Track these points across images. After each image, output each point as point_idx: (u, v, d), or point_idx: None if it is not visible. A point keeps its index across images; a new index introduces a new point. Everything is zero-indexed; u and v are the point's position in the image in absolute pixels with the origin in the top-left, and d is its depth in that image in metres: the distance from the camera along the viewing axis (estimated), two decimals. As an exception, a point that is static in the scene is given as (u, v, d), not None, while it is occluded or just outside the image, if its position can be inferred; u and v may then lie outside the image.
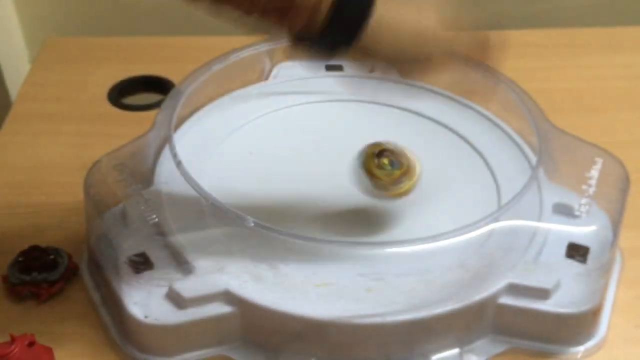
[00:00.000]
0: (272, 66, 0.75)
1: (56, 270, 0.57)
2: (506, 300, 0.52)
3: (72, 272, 0.58)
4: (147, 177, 0.59)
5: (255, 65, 0.73)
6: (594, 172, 0.59)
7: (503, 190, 0.60)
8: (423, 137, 0.67)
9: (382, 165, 0.55)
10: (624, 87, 0.81)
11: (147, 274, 0.52)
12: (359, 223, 0.58)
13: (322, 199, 0.60)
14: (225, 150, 0.64)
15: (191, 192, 0.54)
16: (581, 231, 0.56)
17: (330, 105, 0.71)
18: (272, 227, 0.51)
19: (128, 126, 0.73)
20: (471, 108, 0.69)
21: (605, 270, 0.55)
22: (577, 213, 0.57)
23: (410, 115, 0.69)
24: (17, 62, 0.96)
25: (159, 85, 0.80)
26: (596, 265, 0.54)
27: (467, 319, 0.52)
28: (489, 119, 0.68)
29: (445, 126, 0.68)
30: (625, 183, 0.59)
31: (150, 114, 0.73)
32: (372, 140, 0.66)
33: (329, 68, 0.75)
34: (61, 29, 0.96)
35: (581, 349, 0.54)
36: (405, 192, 0.56)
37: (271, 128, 0.68)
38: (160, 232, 0.54)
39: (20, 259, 0.58)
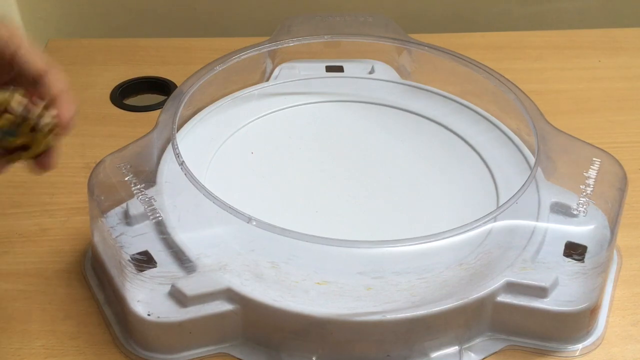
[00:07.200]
0: (273, 67, 0.75)
1: None
2: (504, 298, 0.53)
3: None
4: (150, 177, 0.59)
5: (256, 66, 0.74)
6: (592, 172, 0.59)
7: (501, 190, 0.61)
8: (422, 137, 0.68)
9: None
10: (622, 88, 0.82)
11: (150, 272, 0.52)
12: (359, 222, 0.59)
13: (323, 198, 0.61)
14: (227, 150, 0.65)
15: (194, 191, 0.54)
16: (579, 230, 0.56)
17: (331, 106, 0.71)
18: (274, 225, 0.51)
19: (131, 127, 0.74)
20: (470, 108, 0.70)
21: (602, 268, 0.55)
22: (574, 212, 0.57)
23: (409, 115, 0.70)
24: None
25: (161, 87, 0.80)
26: (593, 264, 0.54)
27: (466, 317, 0.53)
28: (488, 120, 0.69)
29: (445, 126, 0.68)
30: (622, 183, 0.59)
31: (153, 114, 0.74)
32: (371, 140, 0.67)
33: (329, 69, 0.76)
34: (64, 31, 0.96)
35: (579, 346, 0.54)
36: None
37: (272, 128, 0.68)
38: (163, 230, 0.54)
39: None
